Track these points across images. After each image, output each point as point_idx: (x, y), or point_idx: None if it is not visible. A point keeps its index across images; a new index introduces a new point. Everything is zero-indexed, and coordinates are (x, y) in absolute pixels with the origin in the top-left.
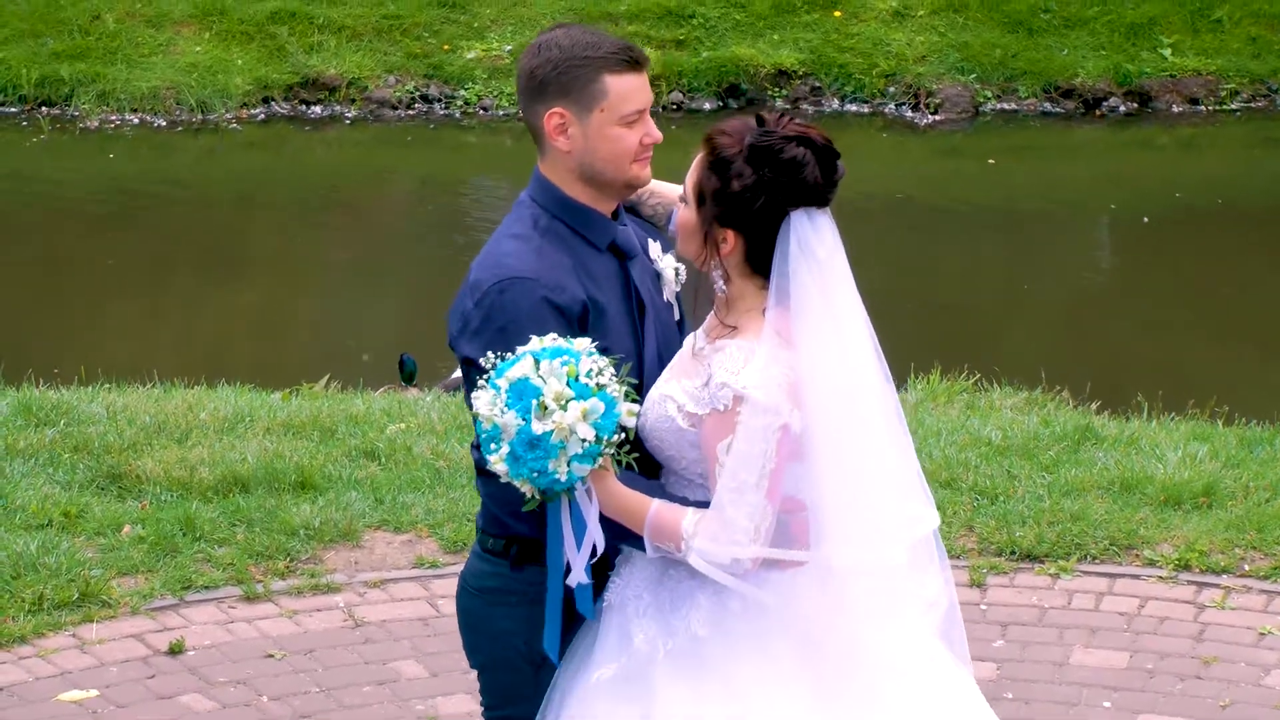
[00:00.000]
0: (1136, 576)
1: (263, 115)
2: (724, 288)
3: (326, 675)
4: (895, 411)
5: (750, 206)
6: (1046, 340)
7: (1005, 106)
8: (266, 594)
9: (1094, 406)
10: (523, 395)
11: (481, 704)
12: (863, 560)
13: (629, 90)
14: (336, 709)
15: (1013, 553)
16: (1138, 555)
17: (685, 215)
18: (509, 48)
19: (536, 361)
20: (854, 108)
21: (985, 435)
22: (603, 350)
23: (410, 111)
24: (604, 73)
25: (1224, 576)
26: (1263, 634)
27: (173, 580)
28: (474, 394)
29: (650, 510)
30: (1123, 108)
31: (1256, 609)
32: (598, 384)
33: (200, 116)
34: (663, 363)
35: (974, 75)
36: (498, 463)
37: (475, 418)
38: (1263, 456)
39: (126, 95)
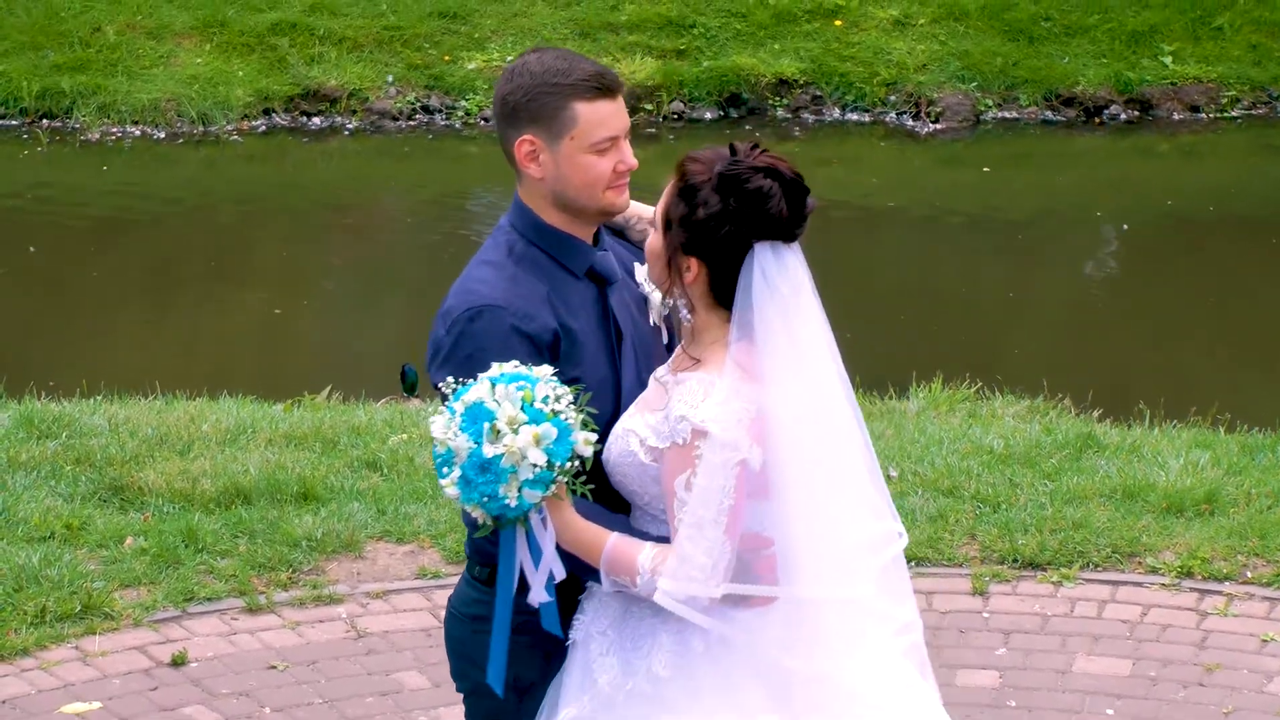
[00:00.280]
0: (1139, 584)
1: (263, 127)
2: (689, 318)
3: (329, 686)
4: (862, 441)
5: (714, 235)
6: (1048, 348)
7: (1006, 115)
8: (269, 605)
9: (1096, 414)
10: (476, 419)
11: None
12: (833, 594)
13: (600, 117)
14: None
15: (1015, 561)
16: (1140, 563)
17: (653, 241)
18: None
19: (493, 386)
20: (855, 117)
21: (987, 444)
22: (572, 380)
23: (411, 122)
24: (574, 100)
25: (1226, 584)
26: (1265, 641)
27: (175, 592)
28: (431, 418)
29: (607, 543)
30: (1124, 115)
31: (1259, 616)
32: (553, 410)
33: (201, 128)
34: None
35: (975, 84)
36: (449, 486)
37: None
38: (1265, 463)
39: (127, 107)
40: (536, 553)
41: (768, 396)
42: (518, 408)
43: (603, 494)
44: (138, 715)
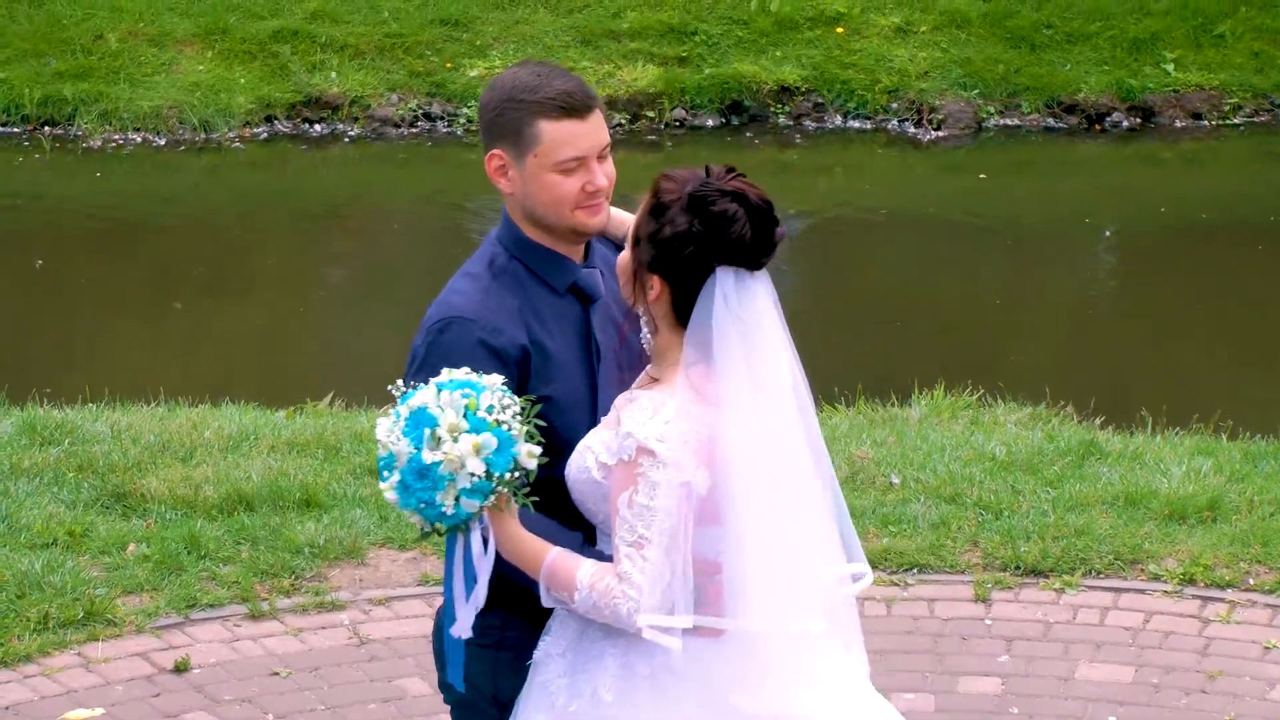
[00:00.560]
0: (1141, 591)
1: (265, 134)
2: (649, 339)
3: (332, 693)
4: (818, 479)
5: (677, 254)
6: (1051, 356)
7: (1008, 122)
8: (271, 612)
9: (1098, 422)
10: (419, 424)
11: None
12: (779, 626)
13: (565, 137)
14: None
15: (1017, 568)
16: (1142, 570)
17: (623, 256)
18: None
19: (439, 392)
20: (857, 124)
21: (989, 451)
22: (544, 398)
23: (413, 130)
24: (539, 118)
25: (1229, 591)
26: (1268, 648)
27: (178, 599)
28: (378, 419)
29: (548, 557)
30: (1125, 123)
31: (1261, 623)
32: (496, 420)
33: (203, 135)
34: None
35: (976, 91)
36: (388, 490)
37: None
38: (1267, 470)
39: (129, 114)
40: (470, 576)
41: (721, 422)
42: (460, 415)
43: (570, 512)
44: None
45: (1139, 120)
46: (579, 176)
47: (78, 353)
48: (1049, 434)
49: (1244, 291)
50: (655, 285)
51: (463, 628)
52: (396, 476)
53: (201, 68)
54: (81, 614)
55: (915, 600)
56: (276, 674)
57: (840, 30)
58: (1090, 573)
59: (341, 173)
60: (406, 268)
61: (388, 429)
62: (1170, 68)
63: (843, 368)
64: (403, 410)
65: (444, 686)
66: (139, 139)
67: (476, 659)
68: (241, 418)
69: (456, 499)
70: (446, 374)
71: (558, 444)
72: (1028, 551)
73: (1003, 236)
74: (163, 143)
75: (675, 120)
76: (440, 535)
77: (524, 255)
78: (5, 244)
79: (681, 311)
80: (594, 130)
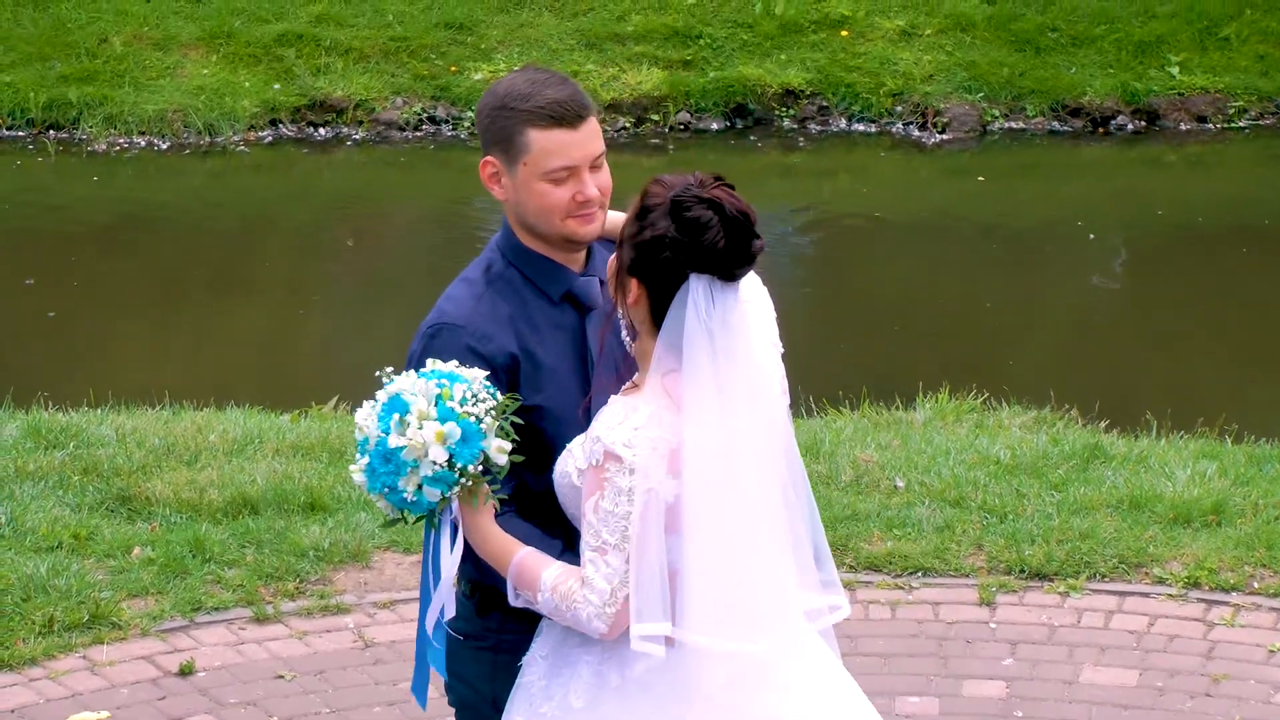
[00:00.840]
0: (1146, 594)
1: (270, 138)
2: (630, 343)
3: (336, 696)
4: (781, 500)
5: (654, 258)
6: (1055, 359)
7: (1013, 125)
8: (276, 615)
9: (1103, 425)
10: (392, 409)
11: None
12: (718, 643)
13: (555, 146)
14: None
15: (1022, 571)
16: (1147, 573)
17: (612, 259)
18: (516, 69)
19: (417, 379)
20: (861, 127)
21: (994, 454)
22: (534, 406)
23: (418, 133)
24: (528, 126)
25: (1233, 594)
26: (1272, 651)
27: (183, 602)
28: (361, 403)
29: (516, 556)
30: (1130, 126)
31: (1266, 626)
32: (466, 412)
33: (207, 139)
34: None
35: (981, 94)
36: (357, 473)
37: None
38: (1272, 474)
39: (134, 118)
40: (436, 574)
41: (686, 429)
42: (431, 404)
43: (561, 519)
44: None
45: (1144, 123)
46: (569, 186)
47: (82, 356)
48: (1053, 437)
49: (1249, 294)
50: (634, 289)
51: (430, 624)
52: (366, 459)
53: (206, 71)
54: (86, 617)
55: (920, 604)
56: (281, 677)
57: (845, 33)
58: (1095, 576)
59: (346, 176)
60: (411, 271)
61: (366, 412)
62: (1175, 71)
63: (847, 371)
64: (381, 395)
65: (447, 688)
66: (143, 143)
67: (475, 661)
68: (246, 421)
69: (419, 486)
70: (431, 364)
71: (549, 452)
72: (1032, 555)
73: (1007, 239)
74: (167, 146)
75: (680, 124)
76: (407, 524)
77: (520, 262)
78: (9, 247)
79: (659, 317)
80: (586, 140)
